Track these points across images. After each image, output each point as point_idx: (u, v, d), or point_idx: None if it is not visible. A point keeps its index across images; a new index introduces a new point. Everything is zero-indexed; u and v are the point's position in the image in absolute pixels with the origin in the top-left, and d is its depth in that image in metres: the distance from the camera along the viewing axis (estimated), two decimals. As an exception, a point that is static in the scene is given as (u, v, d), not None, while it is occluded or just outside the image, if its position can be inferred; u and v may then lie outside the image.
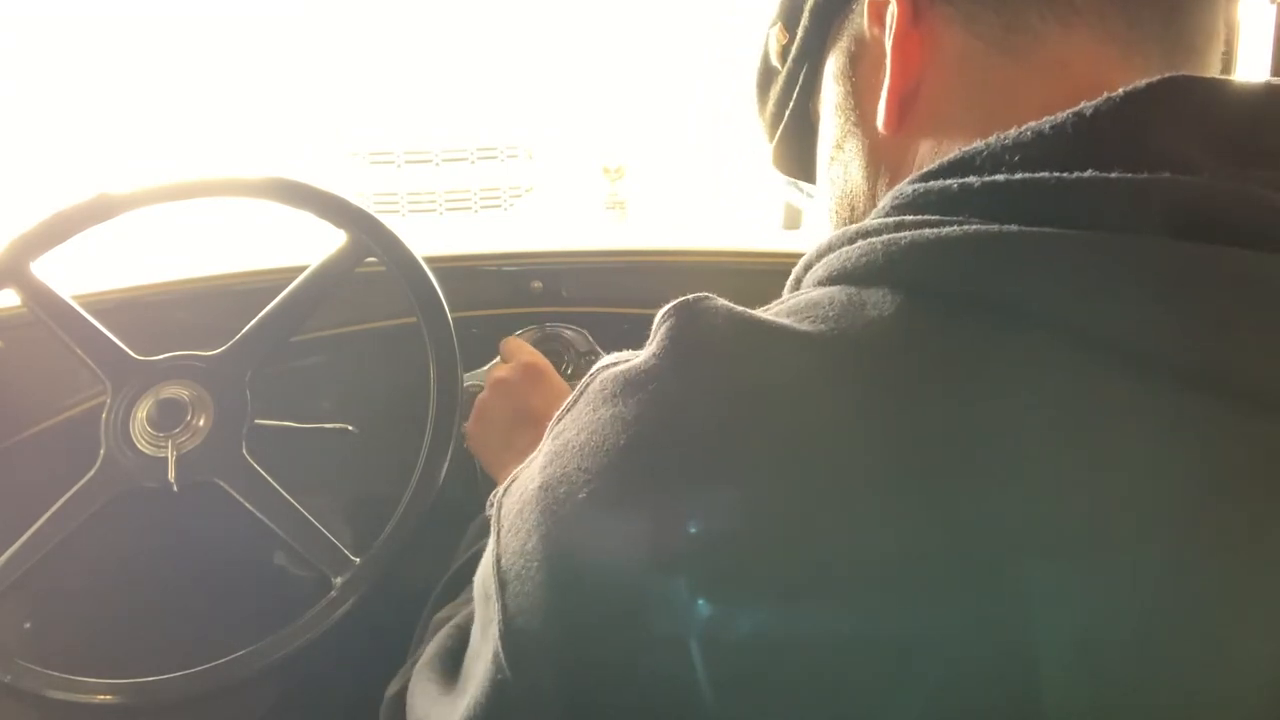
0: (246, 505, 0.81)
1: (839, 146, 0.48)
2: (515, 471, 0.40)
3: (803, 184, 0.58)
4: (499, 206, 3.55)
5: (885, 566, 0.31)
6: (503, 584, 0.36)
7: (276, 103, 3.63)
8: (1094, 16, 0.39)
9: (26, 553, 0.79)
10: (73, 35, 3.74)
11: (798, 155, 0.54)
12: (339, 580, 0.78)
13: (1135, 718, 0.32)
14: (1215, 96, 0.36)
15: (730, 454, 0.32)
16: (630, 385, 0.35)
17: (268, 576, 1.10)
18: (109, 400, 0.83)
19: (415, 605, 0.67)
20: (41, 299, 0.85)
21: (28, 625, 1.01)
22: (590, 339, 1.04)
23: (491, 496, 0.42)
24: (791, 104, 0.52)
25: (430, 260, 0.87)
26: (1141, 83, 0.35)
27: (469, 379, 0.97)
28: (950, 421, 0.32)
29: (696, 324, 0.35)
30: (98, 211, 0.88)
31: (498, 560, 0.37)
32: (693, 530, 0.32)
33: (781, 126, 0.54)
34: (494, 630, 0.36)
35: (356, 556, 0.79)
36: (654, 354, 0.35)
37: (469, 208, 3.56)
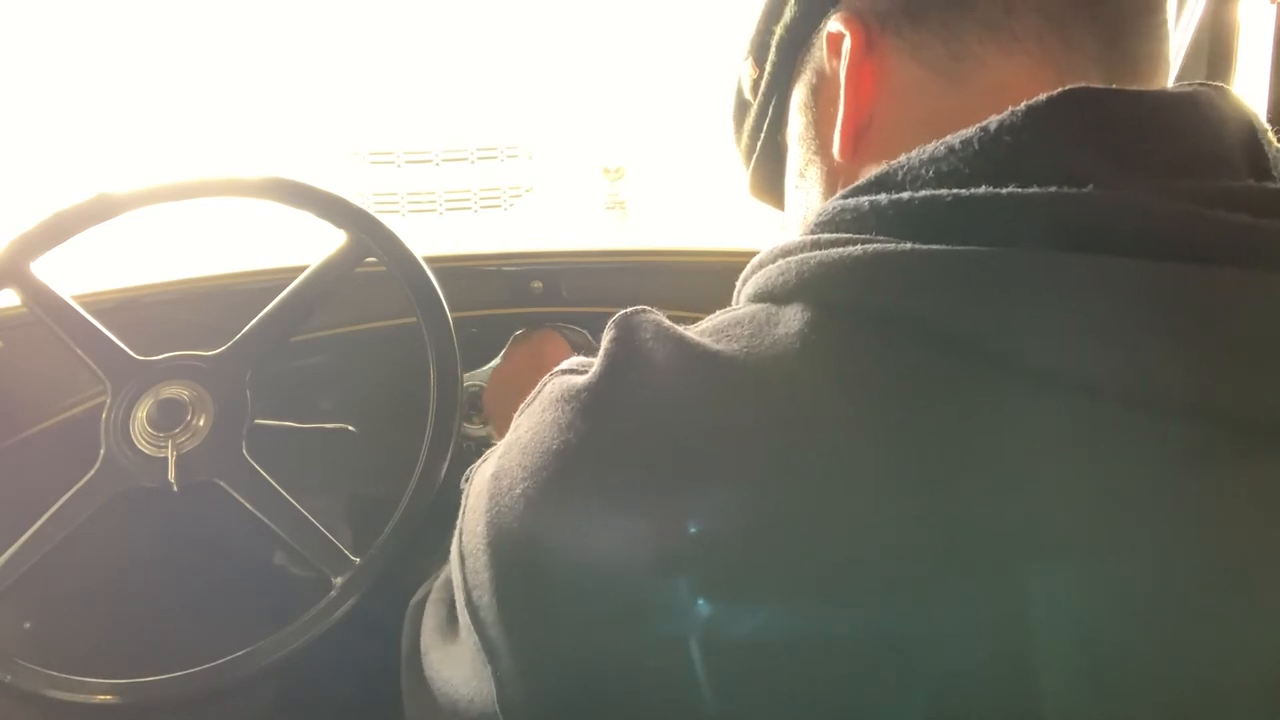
0: (246, 505, 0.81)
1: (802, 174, 0.50)
2: (488, 452, 0.44)
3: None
4: (499, 206, 3.55)
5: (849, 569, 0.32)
6: (462, 558, 0.40)
7: (276, 103, 3.63)
8: (1033, 41, 0.40)
9: (27, 553, 0.79)
10: (73, 35, 3.74)
11: (770, 183, 0.56)
12: (339, 580, 0.78)
13: (1135, 716, 0.32)
14: (1116, 107, 0.36)
15: (643, 469, 0.35)
16: (571, 394, 0.38)
17: (268, 576, 1.10)
18: (109, 400, 0.83)
19: (415, 605, 0.67)
20: (41, 299, 0.85)
21: (28, 625, 1.01)
22: (590, 339, 1.04)
23: (468, 470, 0.47)
24: (763, 135, 0.54)
25: (430, 260, 0.87)
26: (1042, 96, 0.36)
27: (469, 379, 0.98)
28: (849, 437, 0.33)
29: (629, 341, 0.38)
30: (98, 211, 0.88)
31: (460, 534, 0.41)
32: (607, 533, 0.35)
33: (755, 157, 0.56)
34: (460, 597, 0.40)
35: (356, 556, 0.79)
36: (595, 368, 0.39)
37: (469, 208, 3.56)
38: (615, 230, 1.44)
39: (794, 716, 0.33)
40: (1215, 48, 0.88)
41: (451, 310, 0.85)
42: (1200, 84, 0.39)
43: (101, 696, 0.77)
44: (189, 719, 0.85)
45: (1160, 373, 0.32)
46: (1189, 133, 0.37)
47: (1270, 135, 0.39)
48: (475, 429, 1.01)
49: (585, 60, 3.58)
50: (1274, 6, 0.85)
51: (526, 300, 1.09)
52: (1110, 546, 0.32)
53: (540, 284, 1.08)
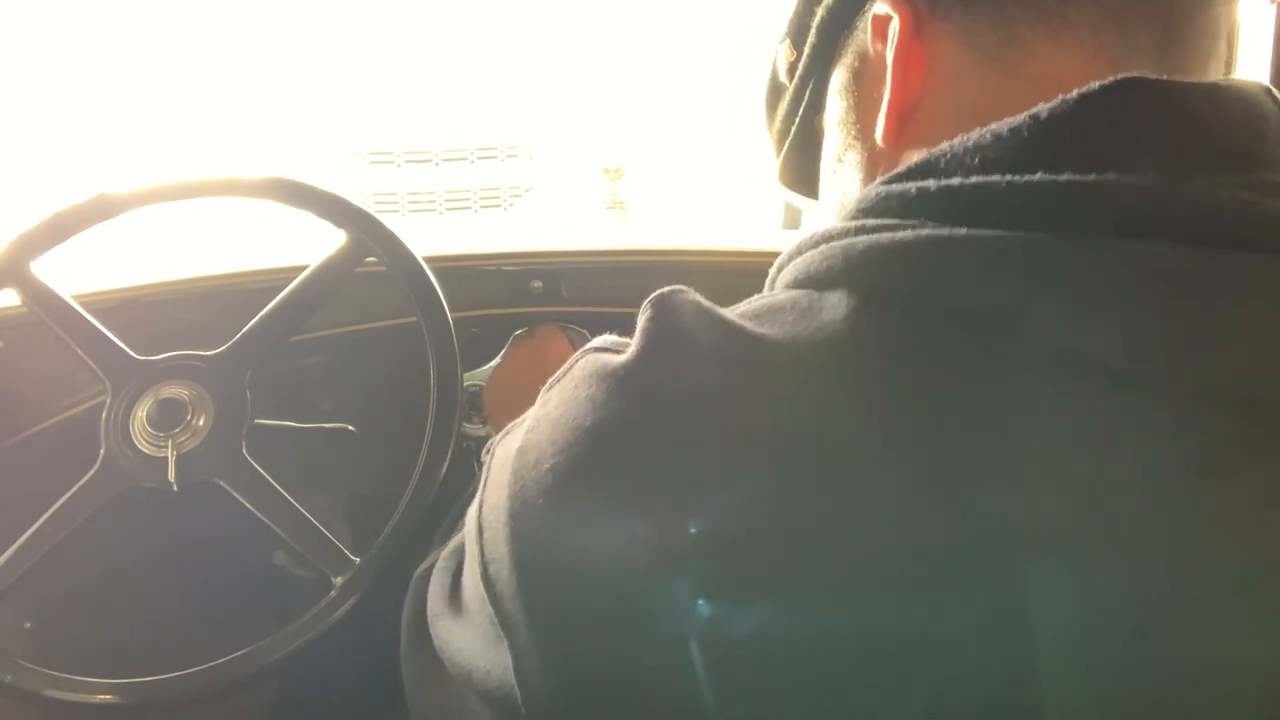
0: (246, 505, 0.81)
1: (840, 160, 0.49)
2: (511, 425, 0.43)
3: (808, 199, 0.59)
4: (499, 206, 3.55)
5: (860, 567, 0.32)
6: (480, 529, 0.39)
7: (276, 103, 3.63)
8: (1088, 31, 0.39)
9: (27, 553, 0.79)
10: (73, 35, 3.74)
11: (803, 170, 0.55)
12: (339, 580, 0.78)
13: (1135, 714, 0.32)
14: (1170, 97, 0.36)
15: (683, 453, 0.34)
16: (608, 371, 0.37)
17: (268, 576, 1.10)
18: (109, 400, 0.83)
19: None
20: (41, 299, 0.85)
21: (28, 625, 1.01)
22: (590, 339, 1.04)
23: (489, 443, 0.46)
24: (798, 119, 0.53)
25: (430, 260, 0.87)
26: (1095, 85, 0.35)
27: (469, 379, 0.98)
28: (905, 426, 0.33)
29: (670, 322, 0.37)
30: (98, 211, 0.88)
31: (480, 506, 0.40)
32: (637, 519, 0.34)
33: (788, 142, 0.55)
34: (475, 569, 0.39)
35: (356, 556, 0.79)
36: (634, 347, 0.38)
37: (469, 207, 3.57)
38: (615, 230, 1.44)
39: (794, 716, 0.33)
40: (1215, 48, 0.88)
41: (451, 310, 0.85)
42: (1245, 80, 0.39)
43: (101, 696, 0.77)
44: (189, 719, 0.85)
45: (1215, 365, 0.32)
46: (1239, 127, 0.37)
47: None
48: (475, 429, 1.01)
49: (585, 60, 3.58)
50: (1274, 6, 0.85)
51: (526, 300, 1.09)
52: (1116, 545, 0.32)
53: (540, 284, 1.08)
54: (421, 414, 0.82)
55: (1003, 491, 0.32)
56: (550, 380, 0.42)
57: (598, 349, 0.40)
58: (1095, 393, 0.33)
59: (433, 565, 0.52)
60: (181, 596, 1.09)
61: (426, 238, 1.02)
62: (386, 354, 1.08)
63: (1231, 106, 0.37)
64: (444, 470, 0.80)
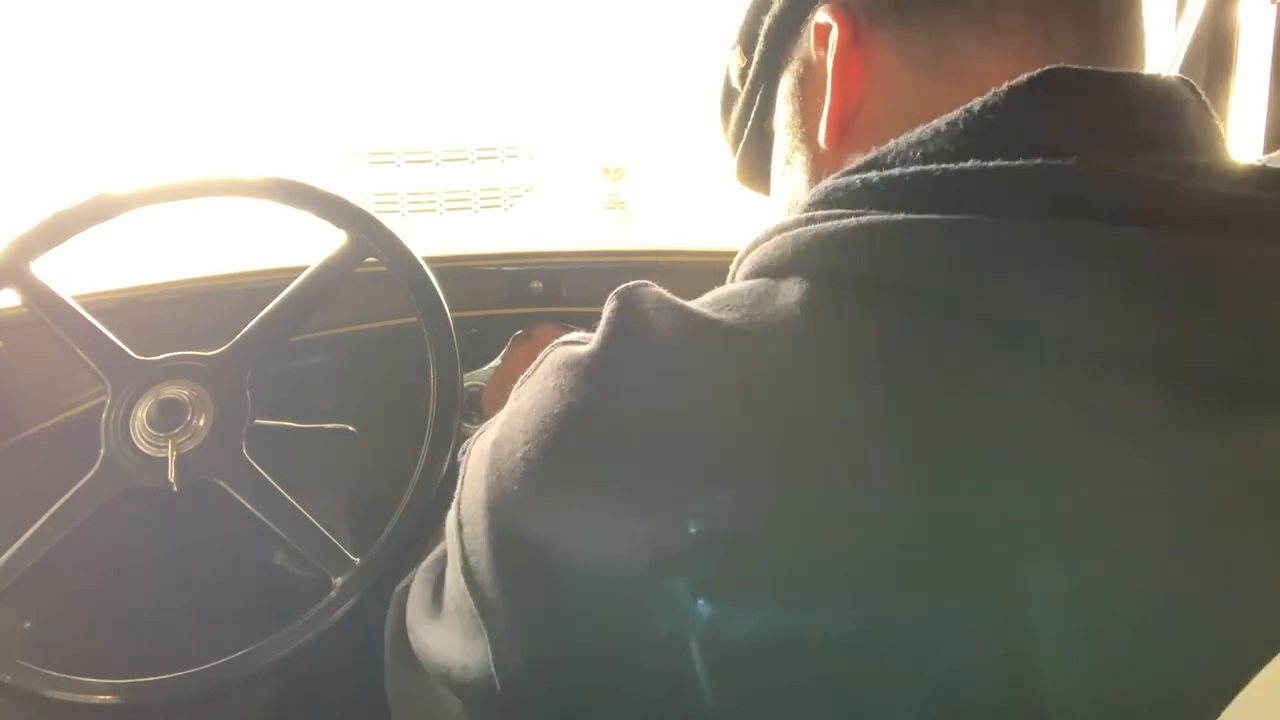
0: (246, 505, 0.81)
1: (788, 161, 0.51)
2: (486, 424, 0.44)
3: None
4: (499, 206, 3.55)
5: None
6: (460, 524, 0.40)
7: (276, 103, 3.63)
8: (1016, 36, 0.42)
9: (27, 552, 0.79)
10: (73, 35, 3.74)
11: (757, 170, 0.57)
12: (339, 580, 0.78)
13: (1136, 710, 0.32)
14: (1094, 86, 0.38)
15: (646, 437, 0.35)
16: (574, 360, 0.38)
17: (268, 576, 1.10)
18: (109, 400, 0.83)
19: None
20: (41, 299, 0.85)
21: (28, 625, 1.01)
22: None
23: (465, 443, 0.47)
24: (750, 123, 0.55)
25: (430, 260, 0.87)
26: (1024, 77, 0.37)
27: (469, 379, 0.98)
28: (859, 405, 0.34)
29: (632, 310, 0.39)
30: (98, 211, 0.88)
31: (459, 503, 0.41)
32: (609, 503, 0.35)
33: (742, 144, 0.57)
34: (456, 564, 0.40)
35: (356, 556, 0.79)
36: (598, 336, 0.39)
37: (469, 208, 3.56)
38: (615, 230, 1.43)
39: (793, 715, 0.33)
40: (1215, 48, 0.88)
41: (451, 310, 0.85)
42: (1167, 73, 0.41)
43: (101, 696, 0.77)
44: (189, 719, 0.85)
45: (1150, 333, 0.33)
46: (1161, 113, 0.39)
47: (1214, 123, 0.41)
48: (475, 429, 1.01)
49: (585, 60, 3.58)
50: (1274, 6, 0.85)
51: (526, 300, 1.09)
52: (1112, 536, 0.32)
53: (540, 284, 1.08)
54: (421, 414, 0.82)
55: (991, 482, 0.33)
56: (522, 376, 0.43)
57: (565, 342, 0.42)
58: (1044, 362, 0.34)
59: (411, 582, 0.52)
60: (181, 596, 1.09)
61: (426, 238, 1.02)
62: (386, 354, 1.08)
63: (1153, 94, 0.39)
64: (444, 470, 0.80)
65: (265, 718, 1.09)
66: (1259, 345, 0.34)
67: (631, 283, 0.41)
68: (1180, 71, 0.90)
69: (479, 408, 1.01)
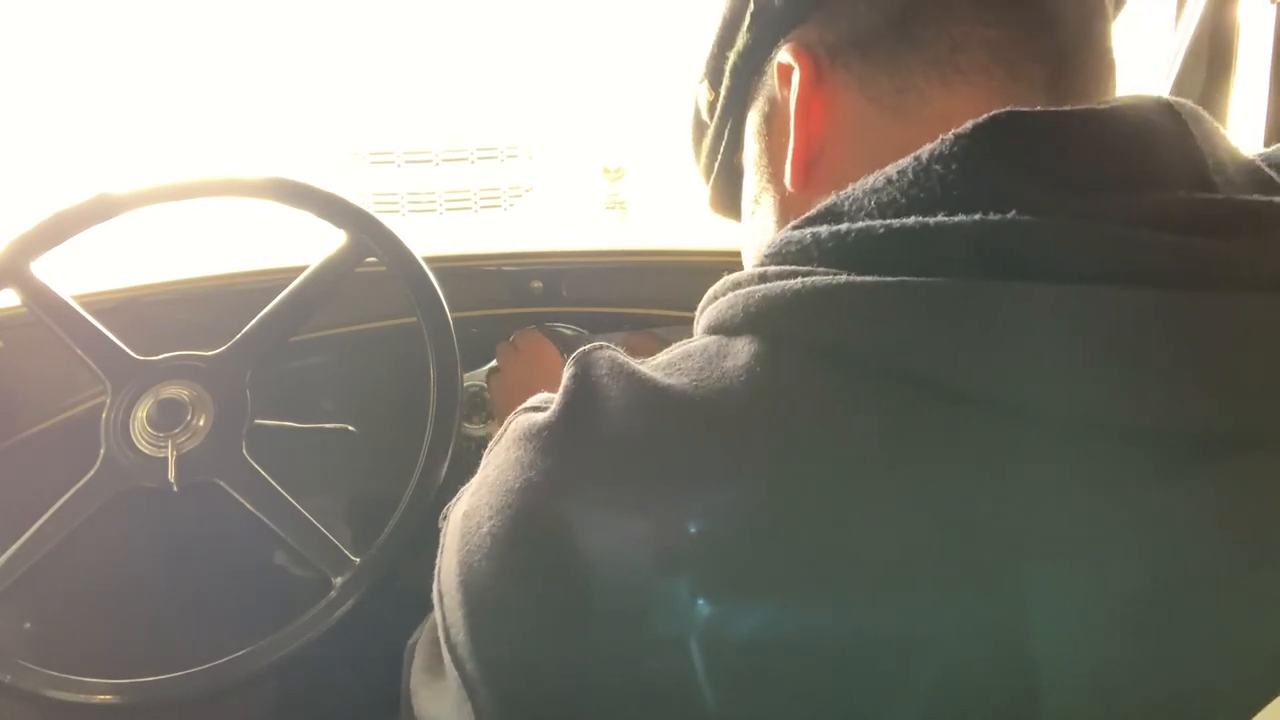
0: (246, 505, 0.81)
1: (757, 201, 0.50)
2: (461, 490, 0.44)
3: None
4: (499, 206, 3.55)
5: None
6: (440, 595, 0.41)
7: (276, 103, 3.63)
8: (978, 74, 0.41)
9: (26, 553, 0.79)
10: (73, 35, 3.75)
11: (729, 200, 0.57)
12: (339, 580, 0.78)
13: (1134, 713, 0.32)
14: (1047, 127, 0.37)
15: (601, 506, 0.36)
16: (533, 432, 0.39)
17: (268, 576, 1.10)
18: (109, 400, 0.83)
19: (415, 605, 0.67)
20: (41, 299, 0.85)
21: (28, 625, 1.01)
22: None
23: (445, 508, 0.48)
24: (720, 157, 0.55)
25: (430, 260, 0.87)
26: (969, 124, 0.36)
27: (469, 379, 0.98)
28: (805, 479, 0.34)
29: (585, 378, 0.39)
30: (98, 211, 0.88)
31: (438, 574, 0.42)
32: (569, 569, 0.35)
33: (713, 176, 0.57)
34: (441, 634, 0.40)
35: (356, 556, 0.79)
36: (554, 406, 0.39)
37: (469, 208, 3.56)
38: (615, 230, 1.43)
39: (792, 716, 0.33)
40: (1215, 48, 0.88)
41: (451, 310, 0.85)
42: (1139, 96, 0.40)
43: (101, 696, 0.77)
44: (189, 719, 0.85)
45: (1087, 395, 0.33)
46: (1126, 148, 0.37)
47: (1225, 143, 0.39)
48: (475, 429, 1.01)
49: (585, 60, 3.58)
50: (1274, 6, 0.85)
51: (526, 300, 1.09)
52: (1100, 549, 0.32)
53: (540, 284, 1.08)
54: (421, 414, 0.82)
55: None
56: (491, 442, 0.44)
57: (527, 408, 0.43)
58: (988, 424, 0.33)
59: (418, 640, 0.53)
60: (181, 596, 1.09)
61: (426, 238, 1.02)
62: (386, 354, 1.08)
63: (1118, 128, 0.37)
64: (444, 470, 0.81)
65: (265, 718, 1.09)
66: (1200, 398, 0.32)
67: (588, 346, 0.41)
68: (1180, 71, 0.89)
69: (479, 408, 1.01)
